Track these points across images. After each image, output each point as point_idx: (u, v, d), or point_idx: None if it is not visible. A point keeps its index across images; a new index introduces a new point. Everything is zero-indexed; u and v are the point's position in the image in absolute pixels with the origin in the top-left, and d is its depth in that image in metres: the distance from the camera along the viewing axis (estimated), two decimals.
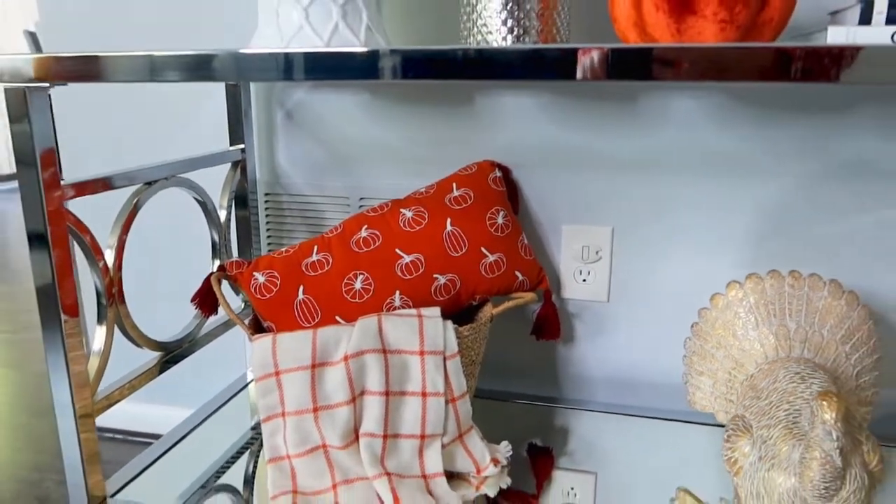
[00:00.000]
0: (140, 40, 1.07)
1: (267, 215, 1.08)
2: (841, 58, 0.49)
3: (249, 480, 0.80)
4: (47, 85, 0.61)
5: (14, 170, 4.39)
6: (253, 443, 0.89)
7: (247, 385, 1.05)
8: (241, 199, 1.03)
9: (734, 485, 0.70)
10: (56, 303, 0.66)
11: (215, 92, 1.06)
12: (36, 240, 0.65)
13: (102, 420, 1.24)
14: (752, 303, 0.78)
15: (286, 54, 0.57)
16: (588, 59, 0.52)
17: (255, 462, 0.84)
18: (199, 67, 0.59)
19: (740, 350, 0.78)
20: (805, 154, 0.87)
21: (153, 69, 0.60)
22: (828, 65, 0.49)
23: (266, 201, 1.07)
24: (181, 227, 1.13)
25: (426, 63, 0.55)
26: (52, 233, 0.65)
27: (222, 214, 0.98)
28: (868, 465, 0.65)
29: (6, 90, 0.61)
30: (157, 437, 1.25)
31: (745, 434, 0.70)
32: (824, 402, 0.60)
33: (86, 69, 0.61)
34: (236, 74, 0.59)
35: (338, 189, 1.04)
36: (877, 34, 0.57)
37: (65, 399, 0.70)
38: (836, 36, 0.58)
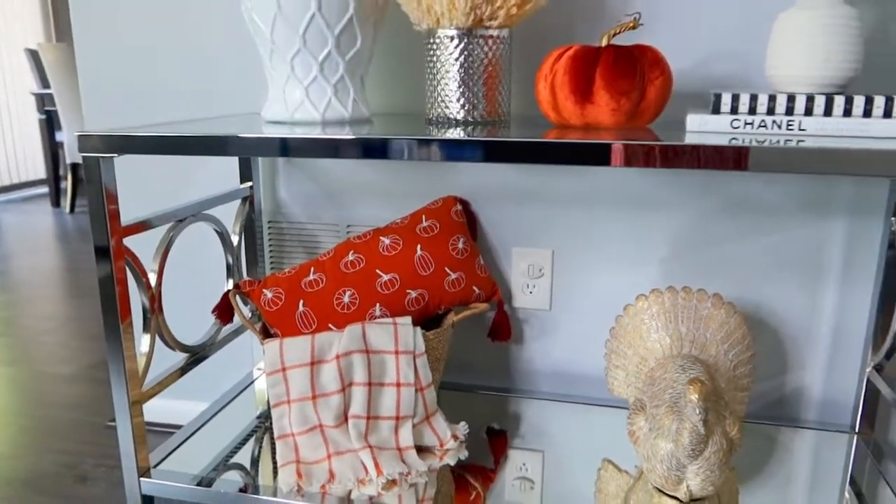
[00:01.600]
0: (169, 106, 1.25)
1: (270, 240, 1.27)
2: (739, 155, 0.68)
3: (256, 459, 0.99)
4: (115, 155, 0.81)
5: (13, 181, 4.47)
6: (258, 430, 1.08)
7: (252, 382, 1.25)
8: (249, 226, 1.21)
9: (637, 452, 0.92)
10: (117, 313, 0.86)
11: None
12: (104, 267, 0.85)
13: None
14: (654, 312, 1.00)
15: (284, 139, 0.78)
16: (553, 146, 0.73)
17: (261, 444, 1.03)
18: (221, 146, 0.80)
19: (645, 349, 1.00)
20: (703, 195, 1.08)
21: (183, 146, 0.81)
22: (731, 157, 0.68)
23: (269, 228, 1.26)
24: (194, 250, 1.30)
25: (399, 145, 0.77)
26: (115, 262, 0.85)
27: (234, 240, 1.18)
28: (728, 434, 0.86)
29: (84, 158, 0.81)
30: (177, 426, 1.43)
31: (642, 412, 0.91)
32: (691, 387, 0.81)
33: (143, 144, 0.81)
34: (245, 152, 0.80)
35: (329, 218, 1.23)
36: (721, 121, 0.79)
37: (121, 388, 0.89)
38: (693, 122, 0.79)
